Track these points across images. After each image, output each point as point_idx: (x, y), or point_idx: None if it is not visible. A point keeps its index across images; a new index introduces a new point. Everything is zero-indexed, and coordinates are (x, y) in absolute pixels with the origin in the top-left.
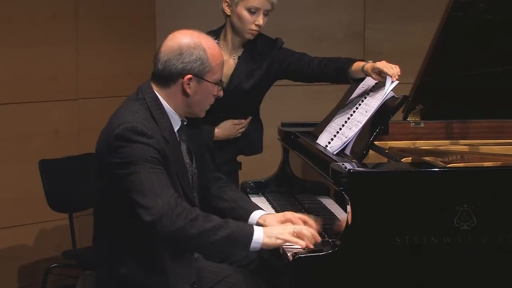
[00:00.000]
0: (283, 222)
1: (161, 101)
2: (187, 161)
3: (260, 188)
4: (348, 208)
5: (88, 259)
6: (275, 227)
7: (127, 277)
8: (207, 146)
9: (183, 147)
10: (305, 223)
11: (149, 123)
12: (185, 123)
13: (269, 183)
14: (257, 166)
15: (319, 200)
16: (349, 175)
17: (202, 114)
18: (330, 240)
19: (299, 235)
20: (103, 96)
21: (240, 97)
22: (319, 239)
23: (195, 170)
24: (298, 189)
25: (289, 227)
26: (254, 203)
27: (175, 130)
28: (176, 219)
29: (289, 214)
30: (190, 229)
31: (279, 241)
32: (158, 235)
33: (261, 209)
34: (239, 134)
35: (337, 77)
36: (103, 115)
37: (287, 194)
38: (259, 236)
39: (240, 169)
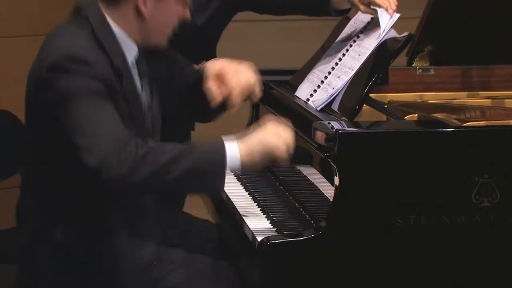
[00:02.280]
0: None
1: (110, 23)
2: (147, 100)
3: None
4: (336, 180)
5: (4, 249)
6: (254, 133)
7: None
8: (174, 81)
9: (141, 83)
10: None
11: (94, 50)
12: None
13: None
14: (217, 126)
15: (299, 170)
16: (337, 137)
17: (163, 43)
18: (312, 222)
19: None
20: (24, 34)
21: (191, 35)
22: None
23: (157, 112)
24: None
25: (279, 131)
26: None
27: (130, 60)
28: (126, 158)
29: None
30: (145, 167)
31: (262, 148)
32: (107, 183)
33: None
34: None
35: (316, 8)
36: (23, 59)
37: (264, 171)
38: (234, 150)
39: (193, 130)
